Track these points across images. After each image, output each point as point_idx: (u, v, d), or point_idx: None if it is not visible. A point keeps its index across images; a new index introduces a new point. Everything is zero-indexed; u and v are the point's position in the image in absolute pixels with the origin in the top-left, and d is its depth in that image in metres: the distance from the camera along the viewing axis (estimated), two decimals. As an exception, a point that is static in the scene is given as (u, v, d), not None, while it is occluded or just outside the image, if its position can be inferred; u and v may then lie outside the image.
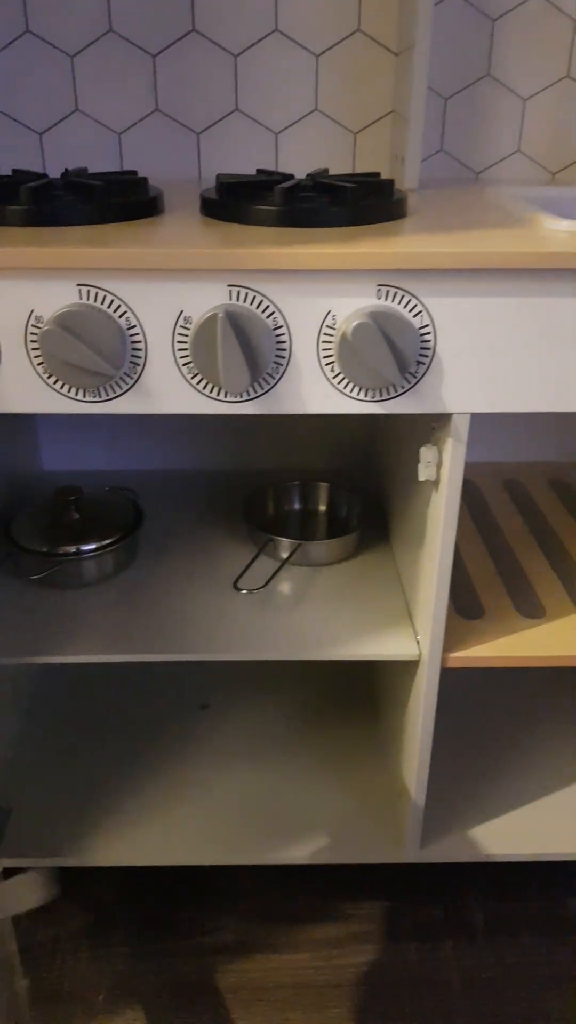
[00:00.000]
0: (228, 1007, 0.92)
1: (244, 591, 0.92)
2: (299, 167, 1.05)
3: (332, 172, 1.05)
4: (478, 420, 1.20)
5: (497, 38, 1.00)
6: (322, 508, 1.11)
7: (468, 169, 1.07)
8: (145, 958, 0.97)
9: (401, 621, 0.89)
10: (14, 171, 0.82)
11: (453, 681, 1.21)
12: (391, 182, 0.77)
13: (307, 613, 0.90)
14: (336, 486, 1.10)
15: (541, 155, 1.07)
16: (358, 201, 0.72)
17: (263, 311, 0.64)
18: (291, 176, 0.79)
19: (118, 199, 0.73)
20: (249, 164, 1.05)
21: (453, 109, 1.04)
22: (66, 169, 0.81)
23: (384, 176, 1.04)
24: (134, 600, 0.92)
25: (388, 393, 0.68)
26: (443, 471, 0.72)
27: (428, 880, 1.06)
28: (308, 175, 0.79)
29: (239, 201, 0.73)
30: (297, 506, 1.11)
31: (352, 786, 1.03)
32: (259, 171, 0.83)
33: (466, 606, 0.90)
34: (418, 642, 0.85)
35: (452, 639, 0.84)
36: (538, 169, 1.08)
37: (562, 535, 1.04)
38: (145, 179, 0.77)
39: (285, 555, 0.98)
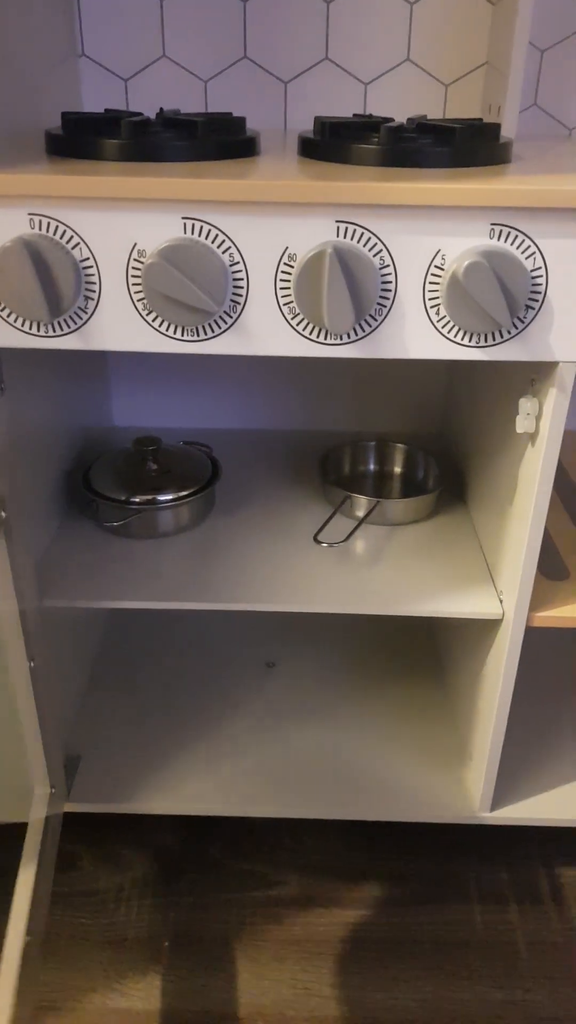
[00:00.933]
0: (291, 959, 0.93)
1: (324, 544, 0.91)
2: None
3: None
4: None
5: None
6: (398, 469, 1.09)
7: (562, 125, 1.04)
8: (209, 907, 0.98)
9: (483, 580, 0.87)
10: (106, 110, 0.81)
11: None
12: (497, 126, 0.75)
13: (387, 569, 0.89)
14: (412, 447, 1.09)
15: None
16: (464, 143, 0.70)
17: (370, 248, 0.63)
18: (391, 119, 0.78)
19: (216, 137, 0.72)
20: (337, 114, 1.03)
21: (549, 62, 1.01)
22: (161, 108, 0.80)
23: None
24: (211, 550, 0.92)
25: (494, 339, 0.66)
26: (543, 423, 0.71)
27: (493, 843, 1.05)
28: (408, 119, 0.77)
29: (340, 140, 0.71)
30: (373, 467, 1.10)
31: (419, 744, 1.03)
32: (356, 115, 0.82)
33: (550, 567, 0.88)
34: (501, 601, 0.84)
35: (537, 599, 0.82)
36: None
37: None
38: (243, 119, 0.76)
39: (362, 513, 0.97)
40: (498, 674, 0.84)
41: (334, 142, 0.71)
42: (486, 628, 0.88)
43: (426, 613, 0.83)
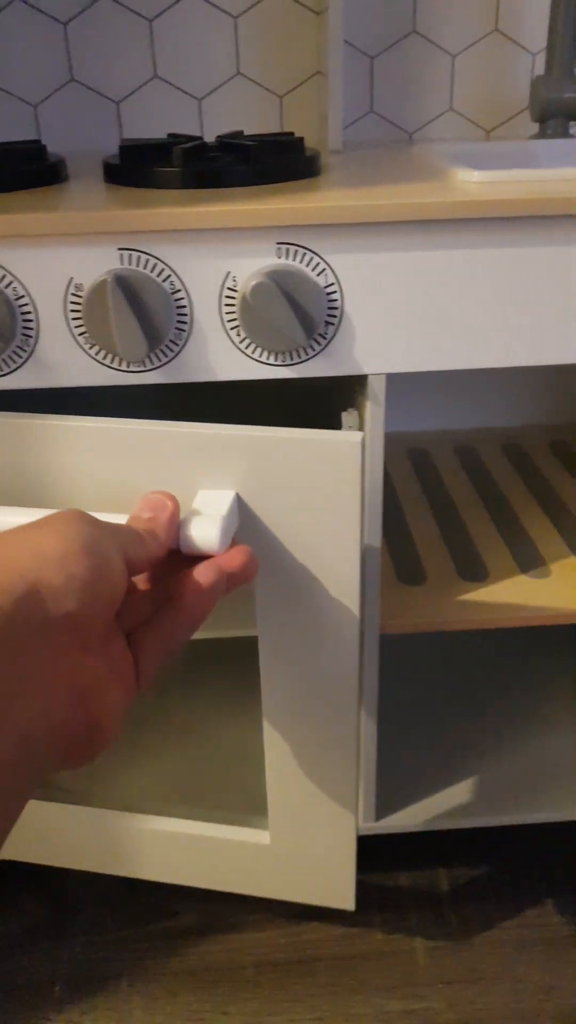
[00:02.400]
0: (186, 991, 0.91)
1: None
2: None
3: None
4: (429, 387, 1.18)
5: (420, -9, 0.97)
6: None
7: (400, 130, 1.05)
8: (104, 947, 0.96)
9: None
10: None
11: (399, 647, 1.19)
12: (300, 140, 0.75)
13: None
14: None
15: (474, 113, 1.04)
16: (263, 159, 0.70)
17: (157, 274, 0.62)
18: (199, 138, 0.77)
19: (18, 166, 0.71)
20: (173, 130, 1.02)
21: (381, 68, 1.01)
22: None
23: (313, 139, 1.02)
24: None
25: (299, 356, 0.66)
26: (365, 434, 0.70)
27: (394, 849, 1.04)
28: (217, 137, 0.77)
29: (140, 164, 0.70)
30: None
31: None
32: (170, 135, 0.81)
33: (409, 573, 0.88)
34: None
35: (391, 606, 0.82)
36: (472, 127, 1.05)
37: (513, 500, 1.03)
38: (43, 146, 0.75)
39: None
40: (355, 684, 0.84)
41: (134, 167, 0.70)
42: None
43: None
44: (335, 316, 0.64)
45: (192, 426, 0.59)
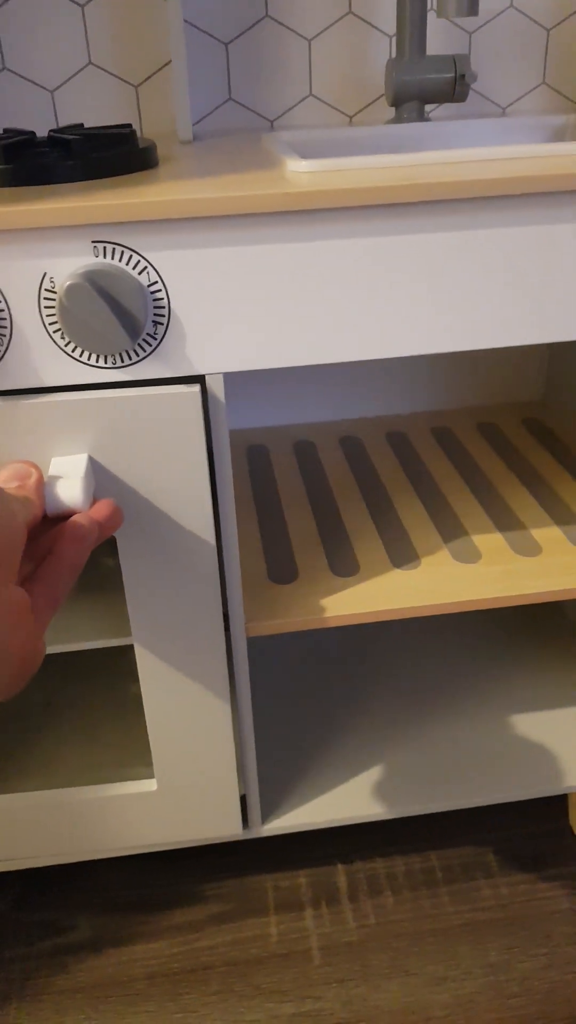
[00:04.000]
0: (74, 1009, 0.89)
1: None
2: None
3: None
4: (296, 380, 1.17)
5: (270, -25, 0.95)
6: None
7: (262, 118, 1.03)
8: (-8, 969, 0.93)
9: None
10: None
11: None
12: (133, 132, 0.72)
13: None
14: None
15: (335, 98, 1.03)
16: (91, 153, 0.67)
17: (-30, 279, 0.59)
18: (30, 133, 0.74)
19: None
20: (25, 124, 0.99)
21: (236, 55, 0.99)
22: None
23: (170, 131, 0.99)
24: None
25: (128, 358, 0.63)
26: (211, 435, 0.69)
27: (290, 848, 1.04)
28: (49, 131, 0.74)
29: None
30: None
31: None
32: (6, 130, 0.77)
33: (280, 571, 0.87)
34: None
35: (258, 606, 0.81)
36: (334, 113, 1.04)
37: (391, 488, 1.02)
38: None
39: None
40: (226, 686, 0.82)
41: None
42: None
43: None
44: (163, 316, 0.62)
45: (38, 397, 0.64)
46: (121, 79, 0.98)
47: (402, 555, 0.89)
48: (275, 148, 0.77)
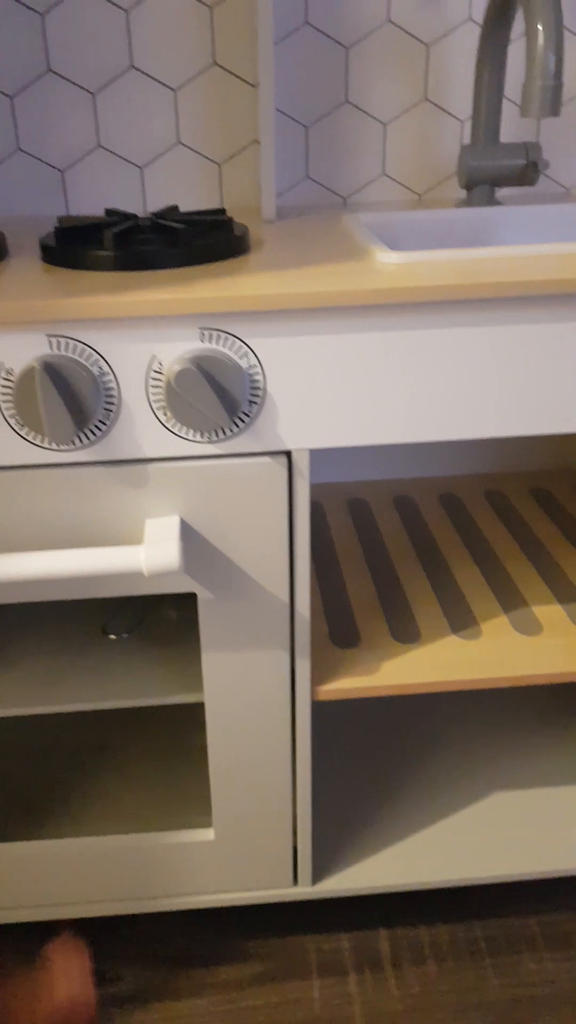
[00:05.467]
0: (124, 1061, 0.90)
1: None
2: (166, 200, 1.04)
3: (200, 204, 1.05)
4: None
5: (353, 65, 1.01)
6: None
7: (335, 195, 1.07)
8: (40, 1016, 0.94)
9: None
10: None
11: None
12: (229, 220, 0.76)
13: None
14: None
15: (406, 177, 1.07)
16: (193, 241, 0.72)
17: (85, 359, 0.63)
18: (133, 216, 0.78)
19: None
20: (116, 200, 1.04)
21: (315, 136, 1.04)
22: None
23: (252, 204, 1.04)
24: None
25: (224, 434, 0.67)
26: (293, 505, 0.72)
27: (335, 910, 1.04)
28: (150, 214, 0.78)
29: (76, 246, 0.71)
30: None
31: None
32: (108, 211, 0.82)
33: (343, 634, 0.90)
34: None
35: (322, 670, 0.83)
36: (404, 191, 1.08)
37: (447, 552, 1.04)
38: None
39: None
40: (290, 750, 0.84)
41: (69, 248, 0.72)
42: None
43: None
44: (258, 396, 0.66)
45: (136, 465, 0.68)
46: (207, 158, 1.03)
47: (462, 622, 0.91)
48: (358, 233, 0.81)
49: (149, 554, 0.63)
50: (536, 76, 0.75)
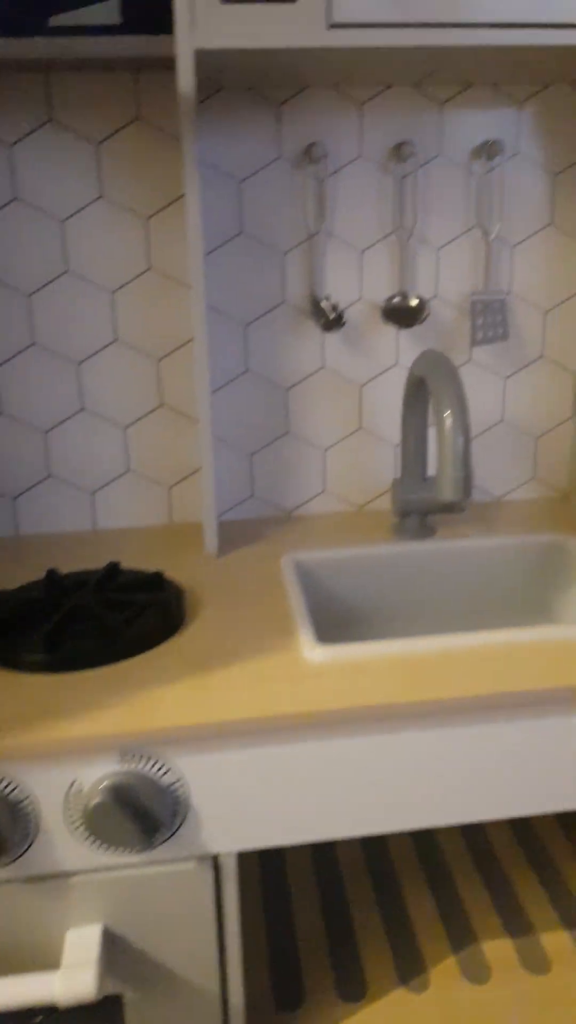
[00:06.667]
0: None
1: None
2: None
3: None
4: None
5: (292, 401, 1.08)
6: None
7: (280, 508, 1.13)
8: None
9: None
10: None
11: None
12: (167, 598, 0.80)
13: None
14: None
15: (345, 493, 1.13)
16: (127, 630, 0.75)
17: (4, 787, 0.64)
18: (74, 589, 0.82)
19: None
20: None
21: (259, 462, 1.10)
22: None
23: (197, 522, 1.09)
24: None
25: (146, 847, 0.67)
26: (222, 904, 0.71)
27: None
28: (97, 581, 0.82)
29: (11, 639, 0.74)
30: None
31: None
32: (49, 574, 0.85)
33: (286, 992, 0.86)
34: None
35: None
36: (346, 503, 1.14)
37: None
38: None
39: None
40: None
41: (3, 643, 0.74)
42: None
43: None
44: (182, 807, 0.67)
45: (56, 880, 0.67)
46: (155, 482, 1.09)
47: (411, 970, 0.88)
48: (292, 597, 0.84)
49: (65, 985, 0.62)
50: (447, 465, 0.81)
